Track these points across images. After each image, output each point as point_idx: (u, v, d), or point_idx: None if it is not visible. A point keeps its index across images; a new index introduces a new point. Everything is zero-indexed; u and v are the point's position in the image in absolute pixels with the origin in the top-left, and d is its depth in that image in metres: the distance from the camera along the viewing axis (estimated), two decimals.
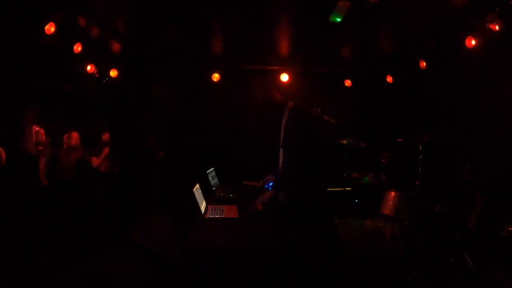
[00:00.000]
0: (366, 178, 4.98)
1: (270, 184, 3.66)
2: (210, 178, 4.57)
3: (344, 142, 4.65)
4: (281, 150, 3.48)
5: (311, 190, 3.31)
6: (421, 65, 5.21)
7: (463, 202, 3.73)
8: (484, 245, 3.23)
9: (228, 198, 4.01)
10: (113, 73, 5.75)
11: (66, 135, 5.92)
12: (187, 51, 5.72)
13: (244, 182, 4.80)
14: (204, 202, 3.60)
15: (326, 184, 4.12)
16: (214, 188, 4.52)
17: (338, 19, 3.83)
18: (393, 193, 4.20)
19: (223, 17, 4.34)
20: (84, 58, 5.14)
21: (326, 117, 4.30)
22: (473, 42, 4.18)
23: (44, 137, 5.75)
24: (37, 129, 5.76)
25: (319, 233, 2.92)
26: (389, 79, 6.02)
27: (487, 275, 2.88)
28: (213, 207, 3.58)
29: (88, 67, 5.33)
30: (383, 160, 5.05)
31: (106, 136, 6.19)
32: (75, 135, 5.82)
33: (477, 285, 2.93)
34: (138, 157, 6.26)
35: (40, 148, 5.67)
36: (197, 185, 3.56)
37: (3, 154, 4.56)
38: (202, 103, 6.53)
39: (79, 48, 4.71)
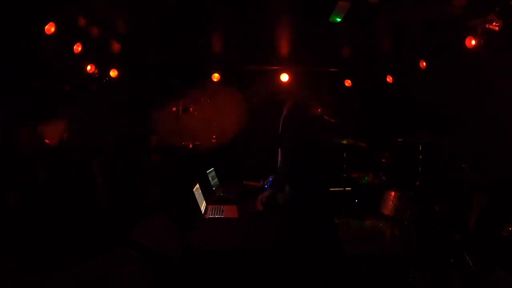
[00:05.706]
0: (366, 178, 4.98)
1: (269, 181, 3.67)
2: (210, 178, 4.57)
3: (344, 142, 4.66)
4: (279, 149, 3.48)
5: (311, 190, 3.31)
6: (421, 65, 5.21)
7: (464, 202, 3.73)
8: (484, 245, 3.23)
9: (228, 198, 4.01)
10: (113, 73, 5.74)
11: (66, 135, 5.92)
12: (187, 50, 5.72)
13: (244, 182, 4.80)
14: (204, 202, 3.60)
15: (326, 184, 4.12)
16: (214, 188, 4.52)
17: (338, 19, 3.82)
18: (393, 193, 4.20)
19: (223, 17, 4.34)
20: (84, 58, 5.14)
21: (326, 117, 4.30)
22: (473, 42, 4.17)
23: (44, 137, 5.74)
24: (37, 129, 5.75)
25: (319, 233, 2.93)
26: (389, 79, 6.01)
27: (487, 275, 2.88)
28: (213, 207, 3.59)
29: (88, 67, 5.33)
30: (383, 160, 5.05)
31: (109, 137, 6.18)
32: (75, 135, 5.82)
33: (477, 285, 2.93)
34: (138, 157, 6.25)
35: (40, 148, 5.66)
36: (197, 185, 3.57)
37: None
38: (202, 103, 6.53)
39: (79, 48, 4.71)
